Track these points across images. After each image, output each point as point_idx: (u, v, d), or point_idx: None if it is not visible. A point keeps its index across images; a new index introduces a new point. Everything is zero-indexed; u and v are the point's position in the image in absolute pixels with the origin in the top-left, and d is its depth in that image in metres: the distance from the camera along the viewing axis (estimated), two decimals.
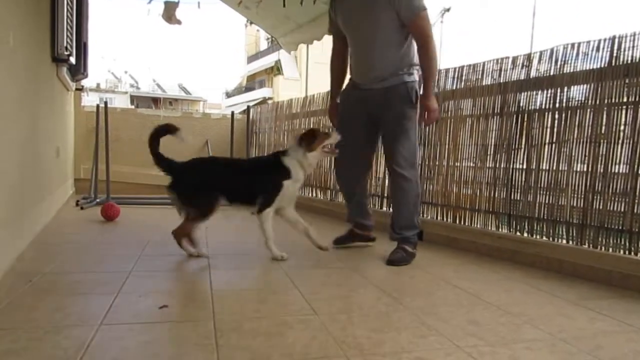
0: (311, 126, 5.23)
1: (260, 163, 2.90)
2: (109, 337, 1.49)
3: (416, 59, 2.67)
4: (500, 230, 3.03)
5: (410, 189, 2.73)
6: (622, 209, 2.40)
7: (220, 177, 2.62)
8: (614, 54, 2.43)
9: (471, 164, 3.24)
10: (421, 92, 2.68)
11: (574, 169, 2.62)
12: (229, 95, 40.46)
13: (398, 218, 2.79)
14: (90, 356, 1.35)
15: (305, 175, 2.72)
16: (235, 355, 1.40)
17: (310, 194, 5.20)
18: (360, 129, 2.82)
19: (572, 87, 2.65)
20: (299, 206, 5.37)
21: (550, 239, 2.73)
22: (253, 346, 1.47)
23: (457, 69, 3.35)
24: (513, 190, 2.96)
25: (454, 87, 3.36)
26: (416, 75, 2.70)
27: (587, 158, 2.56)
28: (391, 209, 2.89)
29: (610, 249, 2.45)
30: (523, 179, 2.89)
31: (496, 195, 3.06)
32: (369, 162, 3.02)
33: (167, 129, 2.66)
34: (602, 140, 2.49)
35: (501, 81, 3.03)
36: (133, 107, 19.17)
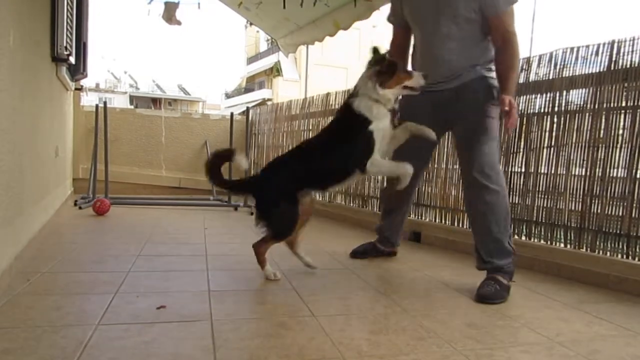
0: (310, 126, 5.25)
1: (328, 134, 2.33)
2: (106, 337, 1.49)
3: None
4: None
5: (499, 203, 2.23)
6: (620, 213, 2.41)
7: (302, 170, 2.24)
8: (613, 59, 2.44)
9: None
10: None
11: (573, 172, 2.63)
12: (228, 96, 40.47)
13: (485, 241, 2.27)
14: (87, 356, 1.35)
15: (390, 108, 2.23)
16: (233, 356, 1.40)
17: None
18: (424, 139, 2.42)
19: (571, 91, 2.66)
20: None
21: (549, 242, 2.74)
22: (251, 347, 1.47)
23: None
24: (511, 193, 2.96)
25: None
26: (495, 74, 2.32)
27: (585, 162, 2.57)
28: (470, 228, 2.41)
29: (608, 253, 2.45)
30: (521, 183, 2.90)
31: None
32: (422, 172, 2.74)
33: (226, 155, 2.28)
34: (600, 144, 2.50)
35: None
36: (132, 107, 19.21)
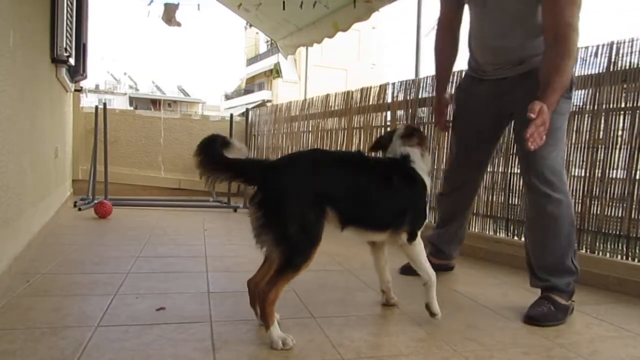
0: (309, 128, 5.25)
1: (387, 166, 1.82)
2: (106, 339, 1.48)
3: None
4: (498, 234, 3.04)
5: (562, 215, 1.92)
6: (620, 214, 2.41)
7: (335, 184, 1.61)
8: (612, 60, 2.44)
9: None
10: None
11: (572, 173, 2.63)
12: (228, 97, 40.46)
13: (542, 257, 1.99)
14: (87, 357, 1.35)
15: None
16: (232, 358, 1.40)
17: None
18: (486, 131, 2.21)
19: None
20: None
21: None
22: (250, 349, 1.47)
23: (456, 73, 3.35)
24: (511, 194, 2.96)
25: (453, 91, 3.36)
26: None
27: (584, 163, 2.57)
28: (526, 241, 2.10)
29: (608, 254, 2.45)
30: (521, 184, 2.90)
31: (494, 200, 3.06)
32: (482, 176, 2.47)
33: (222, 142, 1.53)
34: (599, 145, 2.50)
35: None
36: (132, 108, 19.23)
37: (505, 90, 2.04)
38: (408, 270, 2.29)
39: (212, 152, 1.50)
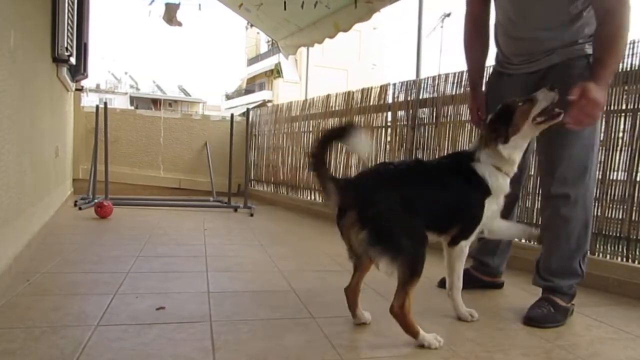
0: (310, 128, 5.25)
1: (446, 170, 1.78)
2: (105, 338, 1.48)
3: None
4: None
5: (575, 217, 1.88)
6: (620, 216, 2.41)
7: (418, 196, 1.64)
8: None
9: None
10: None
11: None
12: (228, 97, 40.49)
13: (549, 257, 1.96)
14: (86, 357, 1.35)
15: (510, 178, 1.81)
16: (232, 358, 1.40)
17: (309, 197, 5.20)
18: None
19: None
20: (296, 209, 5.37)
21: None
22: (250, 349, 1.46)
23: (457, 74, 3.36)
24: None
25: (454, 92, 3.36)
26: None
27: None
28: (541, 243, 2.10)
29: (608, 256, 2.45)
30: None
31: None
32: (523, 177, 2.19)
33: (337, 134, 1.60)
34: (600, 147, 2.49)
35: None
36: (132, 108, 19.26)
37: (535, 84, 1.88)
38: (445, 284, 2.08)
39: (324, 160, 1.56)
